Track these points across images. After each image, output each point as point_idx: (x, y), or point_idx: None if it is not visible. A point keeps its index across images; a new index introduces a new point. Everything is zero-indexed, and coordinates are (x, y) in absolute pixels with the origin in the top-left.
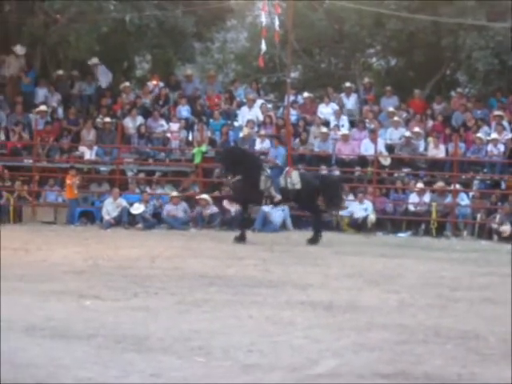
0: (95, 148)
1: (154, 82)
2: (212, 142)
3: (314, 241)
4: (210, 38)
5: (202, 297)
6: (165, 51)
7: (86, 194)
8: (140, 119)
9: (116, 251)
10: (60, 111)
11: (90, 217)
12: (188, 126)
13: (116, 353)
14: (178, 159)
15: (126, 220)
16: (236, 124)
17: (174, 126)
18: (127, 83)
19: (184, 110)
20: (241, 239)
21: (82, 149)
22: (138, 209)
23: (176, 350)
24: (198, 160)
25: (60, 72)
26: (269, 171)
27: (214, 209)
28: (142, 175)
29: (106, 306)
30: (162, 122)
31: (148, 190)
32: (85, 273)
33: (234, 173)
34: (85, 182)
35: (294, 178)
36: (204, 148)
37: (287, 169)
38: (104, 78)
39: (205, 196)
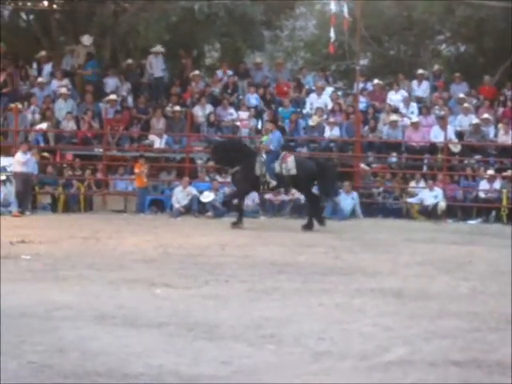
0: (165, 136)
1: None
2: (281, 130)
3: (307, 226)
4: (279, 25)
5: (272, 284)
6: (234, 39)
7: (156, 182)
8: (209, 107)
9: (186, 239)
10: (130, 100)
11: (160, 205)
12: (257, 114)
13: (187, 341)
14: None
15: (196, 208)
16: (305, 112)
17: (243, 114)
18: (197, 72)
19: (253, 98)
20: (308, 227)
21: (152, 137)
22: (207, 197)
23: (247, 337)
24: None
25: (129, 61)
26: (264, 156)
27: (283, 196)
28: (211, 163)
29: (177, 294)
30: (231, 110)
31: (218, 178)
32: (155, 261)
33: (229, 165)
34: (155, 171)
35: (289, 164)
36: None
37: (283, 154)
38: (158, 68)
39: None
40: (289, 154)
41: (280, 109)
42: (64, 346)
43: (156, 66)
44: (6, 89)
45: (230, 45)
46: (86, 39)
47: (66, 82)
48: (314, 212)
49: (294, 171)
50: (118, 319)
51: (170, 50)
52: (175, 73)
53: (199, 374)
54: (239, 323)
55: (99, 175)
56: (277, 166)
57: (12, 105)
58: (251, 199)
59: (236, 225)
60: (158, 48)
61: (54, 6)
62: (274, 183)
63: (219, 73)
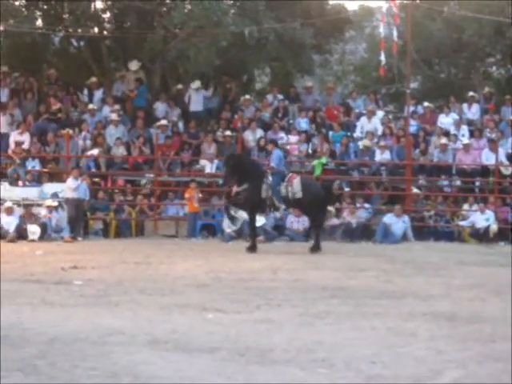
0: (216, 161)
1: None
2: (332, 154)
3: (315, 248)
4: (329, 49)
5: (324, 309)
6: (284, 64)
7: (207, 207)
8: (260, 132)
9: (237, 264)
10: (180, 125)
11: (211, 230)
12: (308, 138)
13: (239, 365)
14: (298, 171)
15: (247, 233)
16: (355, 135)
17: (293, 139)
18: (247, 96)
19: (303, 122)
20: (315, 249)
21: (203, 162)
22: (259, 221)
23: (299, 361)
24: (318, 172)
25: (179, 86)
26: (270, 179)
27: (335, 220)
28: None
29: (229, 319)
30: (282, 134)
31: None
32: (207, 286)
33: (238, 181)
34: (206, 196)
35: (295, 187)
36: (324, 160)
37: (289, 175)
38: (196, 102)
39: (329, 208)
40: (294, 175)
41: (330, 133)
42: (117, 371)
43: (195, 101)
44: (57, 115)
45: (279, 69)
46: (134, 65)
47: (117, 107)
48: (317, 237)
49: (299, 194)
50: (170, 344)
51: (220, 74)
52: (226, 98)
53: None
54: (291, 347)
55: (152, 200)
56: (283, 189)
57: (63, 131)
58: (302, 223)
59: (251, 249)
60: (198, 84)
61: (105, 33)
62: (283, 207)
63: (269, 97)
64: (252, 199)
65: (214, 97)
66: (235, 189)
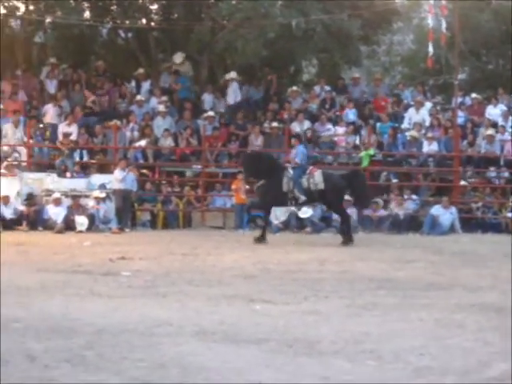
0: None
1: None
2: (379, 145)
3: (345, 243)
4: (377, 40)
5: (371, 300)
6: (331, 55)
7: (254, 198)
8: (307, 123)
9: (285, 255)
10: (227, 116)
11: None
12: (355, 130)
13: (287, 356)
14: (346, 163)
15: (295, 224)
16: (403, 127)
17: (341, 130)
18: (294, 88)
19: (351, 114)
20: (348, 240)
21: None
22: (306, 213)
23: (347, 353)
24: (365, 163)
25: (227, 77)
26: (291, 172)
27: (382, 212)
28: None
29: (277, 310)
30: (329, 125)
31: None
32: (255, 277)
33: (256, 177)
34: (253, 187)
35: (316, 178)
36: (372, 151)
37: (310, 168)
38: (233, 94)
39: (376, 199)
40: (315, 167)
41: (378, 124)
42: (165, 362)
43: (231, 93)
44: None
45: (327, 60)
46: (179, 57)
47: (164, 98)
48: (345, 227)
49: (321, 186)
50: (217, 335)
51: (267, 66)
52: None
53: None
54: (339, 339)
55: (199, 191)
56: (304, 181)
57: (111, 122)
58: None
59: (259, 240)
60: (233, 75)
61: (152, 24)
62: (303, 198)
63: (317, 88)
64: (268, 194)
65: (257, 88)
66: (256, 184)
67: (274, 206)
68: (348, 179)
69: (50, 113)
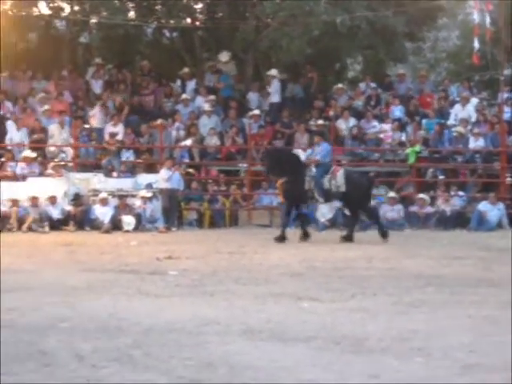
0: (309, 150)
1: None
2: (425, 142)
3: (384, 235)
4: (422, 37)
5: (419, 297)
6: (376, 52)
7: None
8: (353, 121)
9: (332, 253)
10: (279, 114)
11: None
12: (401, 127)
13: (335, 354)
14: (392, 160)
15: (341, 221)
16: (449, 123)
17: (387, 127)
18: (340, 85)
19: (397, 110)
20: (348, 239)
21: (296, 151)
22: None
23: (395, 350)
24: (411, 160)
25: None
26: (314, 170)
27: (429, 209)
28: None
29: (324, 308)
30: (375, 122)
31: (391, 193)
32: (301, 275)
33: (278, 174)
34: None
35: (338, 180)
36: (418, 148)
37: (333, 168)
38: (275, 92)
39: (423, 196)
40: (338, 167)
41: (424, 120)
42: (212, 361)
43: (272, 91)
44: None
45: (372, 57)
46: (224, 56)
47: (212, 97)
48: (379, 225)
49: (343, 188)
50: (265, 333)
51: (311, 63)
52: (319, 87)
53: None
54: (386, 336)
55: (245, 190)
56: (326, 182)
57: (157, 122)
58: (397, 211)
59: (279, 240)
60: (273, 72)
61: (197, 23)
62: (321, 201)
63: (362, 85)
64: (291, 191)
65: (301, 86)
66: (280, 181)
67: (295, 204)
68: (370, 181)
69: (97, 115)
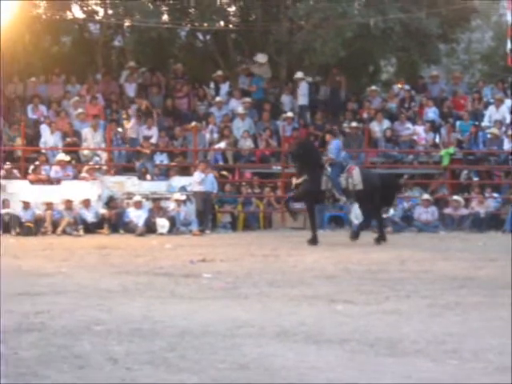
0: (342, 153)
1: (400, 86)
2: (459, 144)
3: (380, 238)
4: (455, 38)
5: (453, 299)
6: (410, 54)
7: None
8: (386, 123)
9: (365, 255)
10: (307, 117)
11: (339, 221)
12: (435, 128)
13: (369, 356)
14: (425, 162)
15: (375, 224)
16: (483, 124)
17: (420, 129)
18: (374, 87)
19: (431, 112)
20: (380, 239)
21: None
22: (387, 212)
23: (429, 352)
24: (445, 162)
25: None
26: (329, 170)
27: (463, 210)
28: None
29: (358, 310)
30: (409, 124)
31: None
32: (335, 277)
33: (302, 168)
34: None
35: (355, 178)
36: (452, 150)
37: (349, 166)
38: (303, 95)
39: (458, 197)
40: (353, 166)
41: (458, 122)
42: (247, 363)
43: (300, 93)
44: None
45: (405, 59)
46: (261, 57)
47: (248, 99)
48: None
49: (360, 186)
50: (299, 336)
51: (347, 65)
52: (353, 89)
53: None
54: (421, 338)
55: (279, 192)
56: (343, 180)
57: (191, 125)
58: (431, 213)
59: (312, 242)
60: (299, 74)
61: (230, 26)
62: (344, 199)
63: (395, 87)
64: (311, 191)
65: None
66: (295, 180)
67: (313, 204)
68: (385, 180)
69: (134, 128)
